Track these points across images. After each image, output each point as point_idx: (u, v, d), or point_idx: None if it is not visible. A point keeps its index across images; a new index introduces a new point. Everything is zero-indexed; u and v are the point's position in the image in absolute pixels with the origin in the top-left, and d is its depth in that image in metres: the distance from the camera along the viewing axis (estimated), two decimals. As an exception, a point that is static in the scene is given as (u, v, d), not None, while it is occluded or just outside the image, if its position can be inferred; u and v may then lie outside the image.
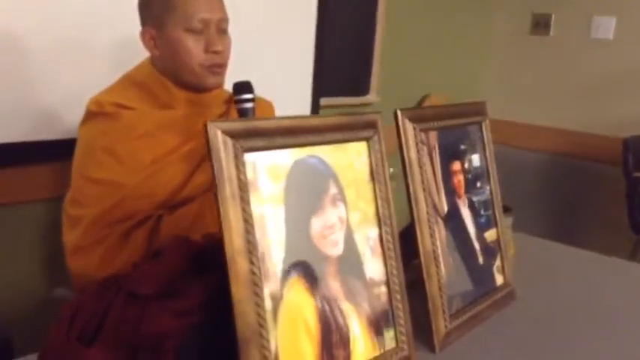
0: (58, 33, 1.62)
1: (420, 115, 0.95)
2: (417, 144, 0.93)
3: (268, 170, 0.73)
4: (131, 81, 1.35)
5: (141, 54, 1.35)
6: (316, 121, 0.79)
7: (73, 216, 1.27)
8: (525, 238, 1.47)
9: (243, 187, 0.69)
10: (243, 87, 1.26)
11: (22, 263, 1.72)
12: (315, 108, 2.71)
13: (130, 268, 0.81)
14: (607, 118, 3.53)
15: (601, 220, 3.55)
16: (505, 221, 1.27)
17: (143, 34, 1.30)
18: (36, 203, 1.72)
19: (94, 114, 1.31)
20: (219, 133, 0.67)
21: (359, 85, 3.04)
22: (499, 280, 1.11)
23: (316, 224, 0.78)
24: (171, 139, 1.31)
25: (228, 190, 0.68)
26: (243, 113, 1.26)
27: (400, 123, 0.92)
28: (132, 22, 1.34)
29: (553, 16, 3.68)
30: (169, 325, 0.75)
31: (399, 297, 0.86)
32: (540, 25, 3.72)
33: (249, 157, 0.70)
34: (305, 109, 2.69)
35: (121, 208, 1.24)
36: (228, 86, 1.33)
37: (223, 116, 1.38)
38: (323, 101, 2.74)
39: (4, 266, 1.67)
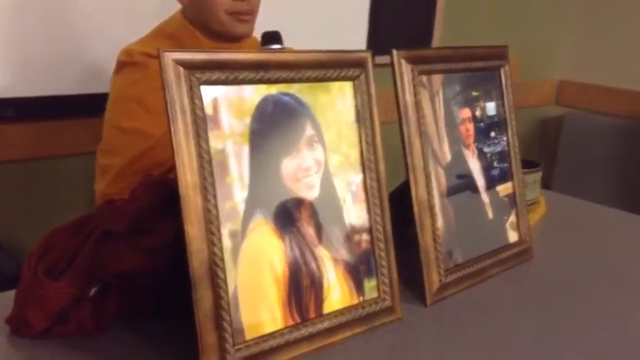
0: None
1: (421, 56, 0.89)
2: (414, 87, 0.87)
3: (230, 105, 0.70)
4: (162, 32, 1.36)
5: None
6: (290, 57, 0.75)
7: (103, 165, 1.30)
8: (559, 197, 1.37)
9: (199, 122, 0.67)
10: (272, 37, 1.23)
11: (72, 214, 1.80)
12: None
13: (103, 205, 0.82)
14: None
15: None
16: (530, 177, 1.19)
17: None
18: (84, 156, 1.79)
19: (124, 64, 1.33)
20: (171, 62, 0.65)
21: (420, 43, 2.91)
22: (512, 236, 1.04)
23: (289, 166, 0.75)
24: None
25: (181, 125, 0.66)
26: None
27: (396, 63, 0.86)
28: None
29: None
30: (139, 262, 0.75)
31: (382, 245, 0.82)
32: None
33: (207, 91, 0.68)
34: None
35: (150, 157, 1.25)
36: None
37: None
38: (378, 59, 2.66)
39: (58, 217, 1.76)
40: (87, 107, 1.70)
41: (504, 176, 1.04)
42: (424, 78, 0.90)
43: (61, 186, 1.78)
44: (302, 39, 1.30)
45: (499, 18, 3.29)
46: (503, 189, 1.03)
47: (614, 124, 3.43)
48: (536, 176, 1.21)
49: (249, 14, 1.29)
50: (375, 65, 2.72)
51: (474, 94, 0.99)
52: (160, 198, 0.77)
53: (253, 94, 0.72)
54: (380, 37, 2.61)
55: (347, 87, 0.81)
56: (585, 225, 1.28)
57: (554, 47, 3.70)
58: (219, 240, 0.68)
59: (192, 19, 1.31)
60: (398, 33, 2.80)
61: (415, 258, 0.87)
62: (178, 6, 1.35)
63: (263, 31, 1.24)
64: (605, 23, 3.59)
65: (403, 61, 0.87)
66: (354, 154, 0.82)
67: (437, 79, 0.92)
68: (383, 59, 2.60)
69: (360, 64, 0.82)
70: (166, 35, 1.34)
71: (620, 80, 3.46)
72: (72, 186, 1.79)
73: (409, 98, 0.87)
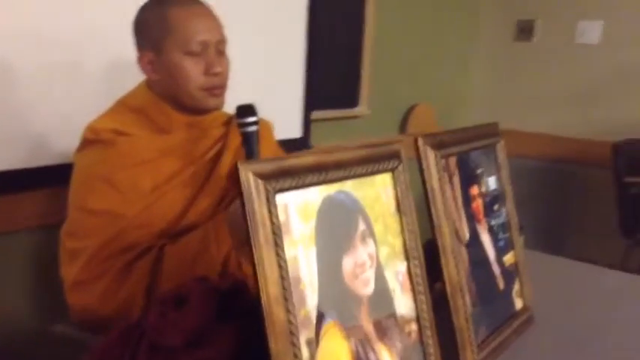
0: (48, 58, 1.58)
1: (440, 141, 0.93)
2: (438, 172, 0.91)
3: (299, 210, 0.70)
4: (127, 106, 1.31)
5: (131, 77, 1.32)
6: (343, 155, 0.76)
7: (72, 249, 1.23)
8: (534, 255, 1.45)
9: (277, 231, 0.66)
10: (247, 110, 1.23)
11: (13, 293, 1.66)
12: (307, 122, 2.70)
13: (150, 313, 0.77)
14: (595, 122, 3.56)
15: (592, 224, 3.57)
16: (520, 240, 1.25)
17: (141, 58, 1.27)
18: (28, 232, 1.66)
19: (90, 142, 1.27)
20: (250, 175, 0.64)
21: (349, 98, 3.03)
22: (519, 304, 1.09)
23: (347, 263, 0.75)
24: (171, 164, 1.28)
25: (262, 235, 0.64)
26: (247, 137, 1.23)
27: (422, 151, 0.89)
28: (121, 46, 1.30)
29: (538, 22, 3.70)
30: (197, 375, 0.71)
31: (429, 333, 0.84)
32: (525, 31, 3.75)
33: (280, 199, 0.67)
34: (296, 123, 2.67)
35: (122, 239, 1.20)
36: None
37: (223, 138, 1.36)
38: (314, 115, 2.72)
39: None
40: (28, 182, 1.60)
41: (507, 246, 1.09)
42: (443, 162, 0.93)
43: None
44: (244, 95, 1.31)
45: (417, 72, 3.48)
46: (508, 258, 1.08)
47: (526, 166, 3.69)
48: (521, 240, 1.28)
49: (221, 88, 1.29)
50: (312, 120, 2.74)
51: (478, 171, 1.04)
52: (214, 305, 0.73)
53: (316, 195, 0.72)
54: (315, 93, 2.69)
55: (388, 178, 0.83)
56: (561, 281, 1.36)
57: (465, 95, 3.95)
58: (300, 350, 0.66)
59: (160, 92, 1.28)
60: (331, 88, 2.88)
61: (450, 335, 0.89)
62: (121, 76, 1.32)
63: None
64: (508, 72, 3.89)
65: (428, 148, 0.90)
66: (399, 244, 0.83)
67: (452, 161, 0.96)
68: (319, 114, 2.63)
69: (396, 155, 0.84)
70: (132, 109, 1.30)
71: (529, 124, 3.74)
72: (11, 263, 1.66)
73: (435, 183, 0.90)
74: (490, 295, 1.01)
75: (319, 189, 0.72)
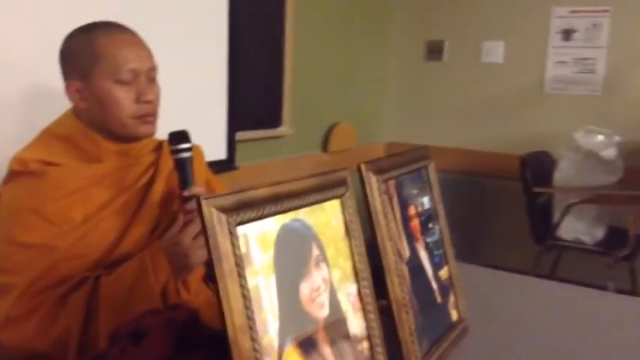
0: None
1: (380, 166, 0.98)
2: (380, 195, 0.96)
3: (258, 240, 0.72)
4: (54, 135, 1.28)
5: (54, 105, 1.29)
6: (296, 185, 0.79)
7: (2, 284, 1.18)
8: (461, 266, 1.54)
9: (239, 262, 0.68)
10: (180, 136, 1.24)
11: None
12: (232, 143, 2.71)
13: (110, 350, 0.76)
14: (503, 136, 3.79)
15: (505, 233, 3.78)
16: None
17: (68, 87, 1.25)
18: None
19: (17, 173, 1.23)
20: (213, 209, 0.66)
21: (272, 118, 3.07)
22: (454, 316, 1.16)
23: (304, 288, 0.78)
24: (102, 193, 1.26)
25: (226, 267, 0.66)
26: (180, 163, 1.24)
27: (365, 176, 0.94)
28: (40, 73, 1.27)
29: (446, 42, 3.90)
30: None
31: (380, 350, 0.88)
32: (435, 51, 3.94)
33: (241, 230, 0.69)
34: (221, 144, 2.67)
35: (56, 272, 1.17)
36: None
37: (154, 165, 1.35)
38: (238, 135, 2.74)
39: None
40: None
41: (442, 261, 1.15)
42: (384, 185, 0.99)
43: None
44: (167, 118, 1.33)
45: (336, 92, 3.58)
46: (443, 273, 1.15)
47: (440, 179, 3.86)
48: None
49: (153, 116, 1.29)
50: (237, 141, 2.77)
51: (414, 192, 1.10)
52: (174, 338, 0.74)
53: (273, 225, 0.75)
54: (238, 114, 2.71)
55: (337, 205, 0.87)
56: (478, 288, 1.45)
57: (382, 113, 4.09)
58: (265, 377, 0.68)
59: (88, 121, 1.26)
60: (254, 109, 2.91)
61: (395, 349, 0.94)
62: (43, 105, 1.29)
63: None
64: (421, 91, 4.07)
65: (370, 174, 0.95)
66: (349, 267, 0.87)
67: (392, 184, 1.02)
68: (243, 135, 2.66)
69: (343, 182, 0.88)
70: (60, 139, 1.28)
71: (442, 140, 3.92)
72: None
73: (379, 206, 0.95)
74: (430, 308, 1.07)
75: (276, 219, 0.75)
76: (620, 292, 2.96)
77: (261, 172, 2.92)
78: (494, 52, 3.74)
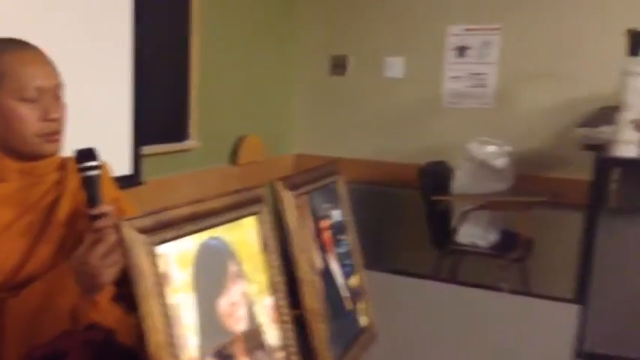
0: None
1: (294, 182, 1.02)
2: (294, 210, 1.00)
3: (177, 259, 0.74)
4: None
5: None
6: (214, 204, 0.82)
7: None
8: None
9: (159, 282, 0.69)
10: (88, 154, 1.23)
11: None
12: (137, 158, 2.66)
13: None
14: (404, 147, 3.95)
15: (407, 239, 3.94)
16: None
17: None
18: None
19: None
20: (132, 231, 0.67)
21: (178, 132, 3.04)
22: (364, 321, 1.22)
23: (223, 304, 0.80)
24: (5, 213, 1.23)
25: (146, 287, 0.68)
26: (88, 181, 1.22)
27: (279, 192, 0.98)
28: None
29: (349, 57, 4.03)
30: None
31: (295, 358, 0.91)
32: (339, 66, 4.06)
33: (160, 250, 0.71)
34: (125, 159, 2.62)
35: None
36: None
37: (59, 183, 1.32)
38: (144, 150, 2.69)
39: None
40: None
41: (352, 270, 1.21)
42: (297, 200, 1.03)
43: None
44: (71, 134, 1.32)
45: (243, 104, 3.60)
46: (353, 281, 1.21)
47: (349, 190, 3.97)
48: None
49: (58, 134, 1.27)
50: (143, 156, 2.75)
51: (325, 205, 1.15)
52: (92, 359, 0.74)
53: (191, 244, 0.77)
54: (143, 128, 2.67)
55: (253, 221, 0.90)
56: (384, 294, 1.53)
57: (289, 126, 4.16)
58: (186, 393, 0.70)
59: None
60: (160, 123, 2.88)
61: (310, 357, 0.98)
62: None
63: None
64: (326, 104, 4.18)
65: (285, 190, 0.99)
66: (265, 280, 0.90)
67: (304, 199, 1.06)
68: (149, 149, 2.65)
69: (259, 200, 0.92)
70: None
71: (346, 151, 4.04)
72: None
73: (293, 221, 0.99)
74: (341, 316, 1.12)
75: (194, 237, 0.77)
76: (513, 292, 3.17)
77: (168, 187, 2.89)
78: (395, 67, 3.91)
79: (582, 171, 3.06)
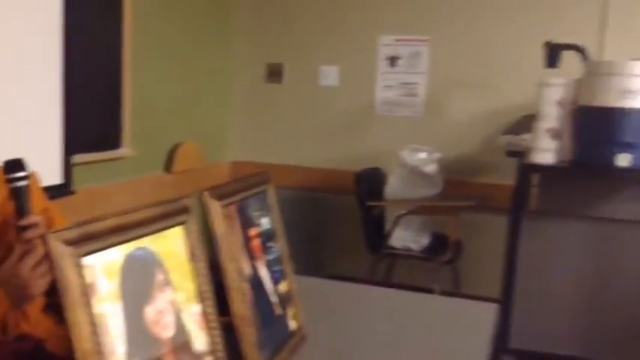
0: None
1: (222, 192, 1.06)
2: (222, 220, 1.03)
3: (104, 270, 0.76)
4: None
5: None
6: (140, 215, 0.84)
7: None
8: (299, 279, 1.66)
9: (86, 292, 0.72)
10: (16, 164, 1.22)
11: None
12: (67, 167, 2.62)
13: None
14: (339, 154, 4.03)
15: (343, 244, 4.02)
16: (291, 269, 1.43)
17: None
18: None
19: None
20: (59, 243, 0.69)
21: (112, 139, 3.00)
22: (293, 325, 1.26)
23: (149, 312, 0.83)
24: None
25: (73, 298, 0.70)
26: (16, 192, 1.22)
27: (207, 202, 1.01)
28: None
29: (285, 65, 4.08)
30: None
31: (223, 363, 0.95)
32: (274, 74, 4.10)
33: (87, 261, 0.73)
34: (55, 168, 2.57)
35: None
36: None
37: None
38: (75, 158, 2.65)
39: None
40: None
41: (281, 276, 1.26)
42: (225, 210, 1.06)
43: None
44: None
45: (179, 111, 3.59)
46: (283, 287, 1.25)
47: (281, 196, 4.01)
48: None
49: None
50: (74, 165, 2.73)
51: (254, 214, 1.19)
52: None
53: (118, 254, 0.79)
54: (74, 136, 2.64)
55: (180, 231, 0.93)
56: (319, 299, 1.58)
57: (225, 133, 4.16)
58: (113, 400, 0.73)
59: None
60: (92, 130, 2.84)
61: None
62: None
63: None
64: (262, 111, 4.21)
65: (212, 200, 1.02)
66: (193, 288, 0.93)
67: (233, 208, 1.10)
68: (80, 158, 2.64)
69: (186, 210, 0.95)
70: None
71: (283, 158, 4.08)
72: None
73: (220, 230, 1.02)
74: (270, 320, 1.16)
75: (120, 248, 0.80)
76: (444, 293, 3.29)
77: (101, 196, 2.85)
78: (330, 75, 3.99)
79: (507, 176, 3.22)
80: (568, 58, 2.90)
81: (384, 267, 3.85)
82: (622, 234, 2.64)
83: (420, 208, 3.44)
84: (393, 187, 3.60)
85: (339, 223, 4.06)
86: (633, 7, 3.45)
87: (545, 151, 2.55)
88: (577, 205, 2.67)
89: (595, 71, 2.45)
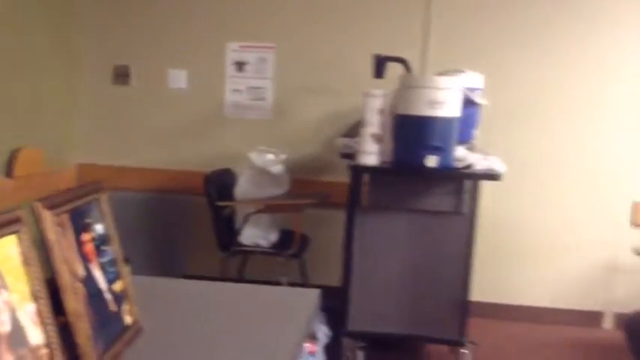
0: None
1: (53, 202, 1.18)
2: (54, 227, 1.15)
3: (-61, 277, 0.87)
4: None
5: None
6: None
7: None
8: (145, 280, 1.79)
9: None
10: None
11: None
12: None
13: None
14: (190, 156, 4.15)
15: (196, 243, 4.15)
16: (126, 270, 1.57)
17: None
18: None
19: None
20: None
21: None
22: (128, 320, 1.40)
23: (-14, 312, 0.94)
24: None
25: None
26: None
27: (38, 212, 1.13)
28: None
29: (132, 67, 4.11)
30: None
31: (58, 353, 1.08)
32: (122, 75, 4.12)
33: None
34: None
35: None
36: None
37: None
38: None
39: None
40: None
41: (116, 277, 1.39)
42: (57, 218, 1.19)
43: None
44: None
45: (18, 116, 3.50)
46: (118, 286, 1.39)
47: (130, 198, 4.04)
48: (127, 269, 1.59)
49: None
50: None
51: (88, 220, 1.32)
52: None
53: (-48, 263, 0.90)
54: None
55: (14, 239, 1.05)
56: (166, 298, 1.73)
57: (71, 136, 4.10)
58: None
59: None
60: None
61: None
62: None
63: None
64: (110, 114, 4.20)
65: (44, 210, 1.14)
66: (28, 290, 1.05)
67: (65, 217, 1.22)
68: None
69: (18, 220, 1.06)
70: None
71: (132, 160, 4.11)
72: None
73: (52, 237, 1.15)
74: (104, 316, 1.29)
75: (-45, 257, 0.90)
76: (292, 284, 3.55)
77: None
78: (179, 79, 4.09)
79: (344, 175, 3.55)
80: (397, 68, 3.27)
81: (236, 264, 4.04)
82: (434, 222, 3.05)
83: (267, 207, 3.67)
84: (243, 187, 3.79)
85: (191, 224, 4.18)
86: (453, 20, 3.93)
87: (370, 154, 2.87)
88: (398, 200, 3.03)
89: (408, 84, 2.82)
